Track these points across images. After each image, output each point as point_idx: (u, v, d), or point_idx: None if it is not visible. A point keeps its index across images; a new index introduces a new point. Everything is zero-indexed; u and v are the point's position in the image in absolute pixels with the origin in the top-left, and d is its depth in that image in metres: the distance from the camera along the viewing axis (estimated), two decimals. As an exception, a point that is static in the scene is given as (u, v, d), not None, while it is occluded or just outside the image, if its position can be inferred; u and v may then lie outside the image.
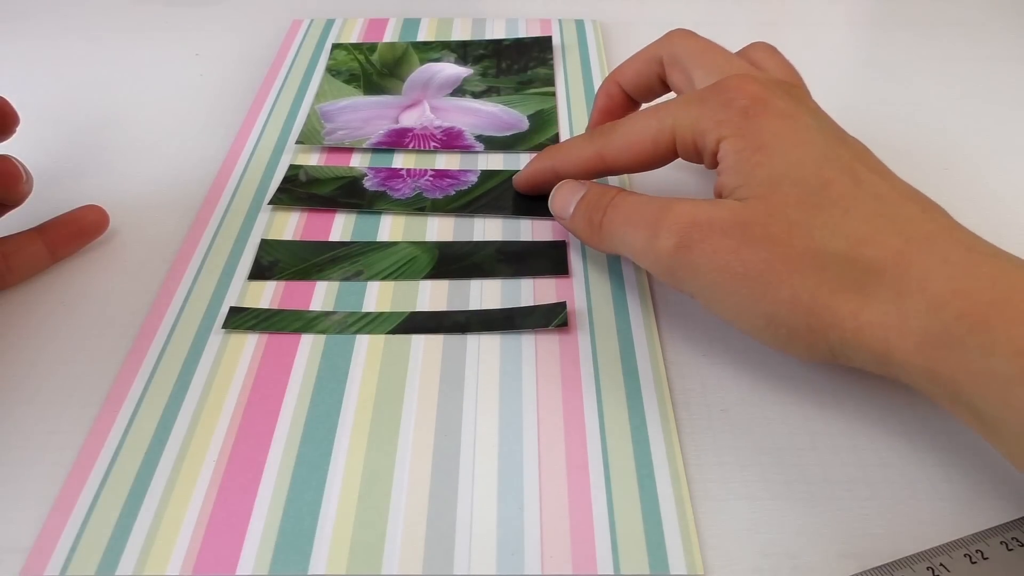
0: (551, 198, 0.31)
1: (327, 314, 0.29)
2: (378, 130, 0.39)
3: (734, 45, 0.32)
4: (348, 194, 0.35)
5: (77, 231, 0.32)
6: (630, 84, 0.34)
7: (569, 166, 0.31)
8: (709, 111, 0.27)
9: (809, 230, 0.24)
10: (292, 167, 0.36)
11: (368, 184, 0.35)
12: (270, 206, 0.34)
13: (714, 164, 0.27)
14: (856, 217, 0.24)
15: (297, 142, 0.38)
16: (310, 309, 0.30)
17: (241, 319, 0.29)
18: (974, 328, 0.21)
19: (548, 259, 0.32)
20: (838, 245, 0.24)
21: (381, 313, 0.29)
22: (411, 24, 0.48)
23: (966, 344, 0.21)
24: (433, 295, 0.30)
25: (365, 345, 0.28)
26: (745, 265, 0.24)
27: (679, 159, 0.29)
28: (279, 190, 0.35)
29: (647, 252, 0.26)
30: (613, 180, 0.35)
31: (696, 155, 0.28)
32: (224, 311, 0.29)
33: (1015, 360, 0.21)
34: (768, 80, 0.27)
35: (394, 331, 0.29)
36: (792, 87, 0.28)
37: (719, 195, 0.27)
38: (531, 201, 0.34)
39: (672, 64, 0.32)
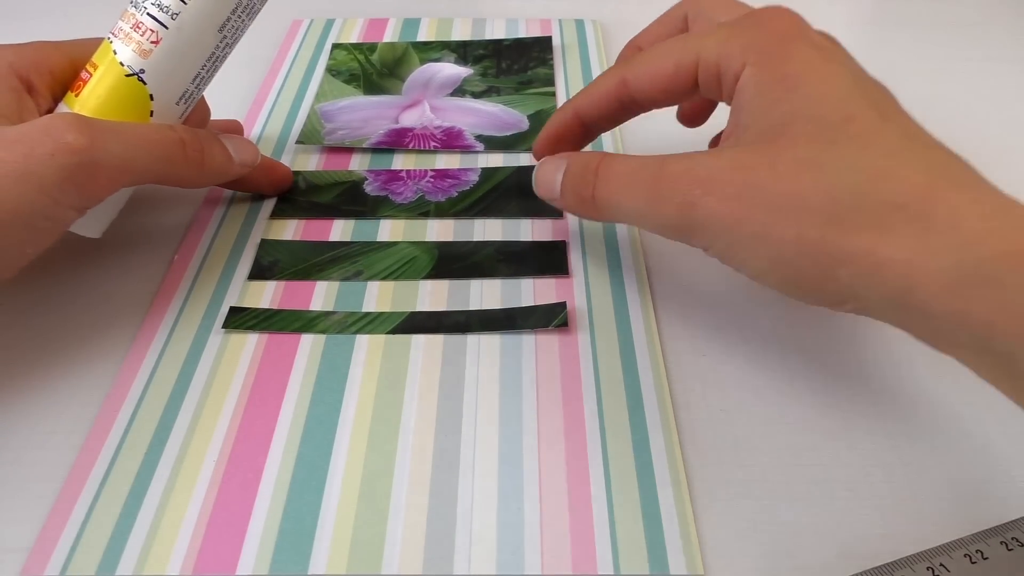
0: (534, 181, 0.30)
1: (327, 314, 0.29)
2: (378, 130, 0.39)
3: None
4: (350, 200, 0.35)
5: (275, 178, 0.34)
6: (650, 44, 0.32)
7: (591, 101, 0.29)
8: (739, 33, 0.25)
9: (819, 166, 0.22)
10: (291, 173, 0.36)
11: (369, 188, 0.35)
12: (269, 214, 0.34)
13: (732, 94, 0.25)
14: (876, 152, 0.22)
15: (297, 142, 0.38)
16: (310, 309, 0.30)
17: (241, 319, 0.29)
18: (1015, 267, 0.20)
19: (548, 259, 0.32)
20: (852, 179, 0.22)
21: (381, 313, 0.29)
22: (411, 24, 0.48)
23: (1005, 283, 0.20)
24: (433, 295, 0.30)
25: (365, 345, 0.28)
26: (749, 211, 0.23)
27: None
28: (280, 200, 0.35)
29: (649, 218, 0.25)
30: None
31: (716, 85, 0.26)
32: (224, 311, 0.29)
33: None
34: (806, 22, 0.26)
35: (394, 331, 0.29)
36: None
37: (729, 135, 0.25)
38: (534, 201, 0.34)
39: (696, 18, 0.30)
